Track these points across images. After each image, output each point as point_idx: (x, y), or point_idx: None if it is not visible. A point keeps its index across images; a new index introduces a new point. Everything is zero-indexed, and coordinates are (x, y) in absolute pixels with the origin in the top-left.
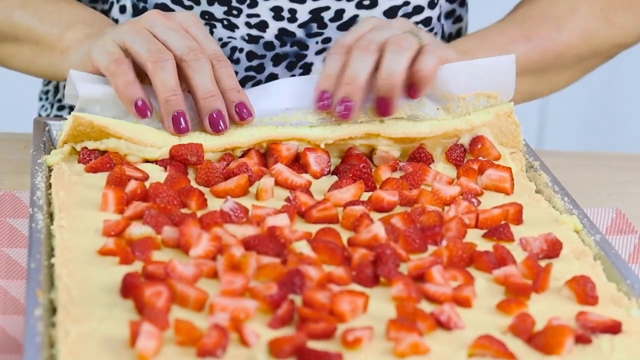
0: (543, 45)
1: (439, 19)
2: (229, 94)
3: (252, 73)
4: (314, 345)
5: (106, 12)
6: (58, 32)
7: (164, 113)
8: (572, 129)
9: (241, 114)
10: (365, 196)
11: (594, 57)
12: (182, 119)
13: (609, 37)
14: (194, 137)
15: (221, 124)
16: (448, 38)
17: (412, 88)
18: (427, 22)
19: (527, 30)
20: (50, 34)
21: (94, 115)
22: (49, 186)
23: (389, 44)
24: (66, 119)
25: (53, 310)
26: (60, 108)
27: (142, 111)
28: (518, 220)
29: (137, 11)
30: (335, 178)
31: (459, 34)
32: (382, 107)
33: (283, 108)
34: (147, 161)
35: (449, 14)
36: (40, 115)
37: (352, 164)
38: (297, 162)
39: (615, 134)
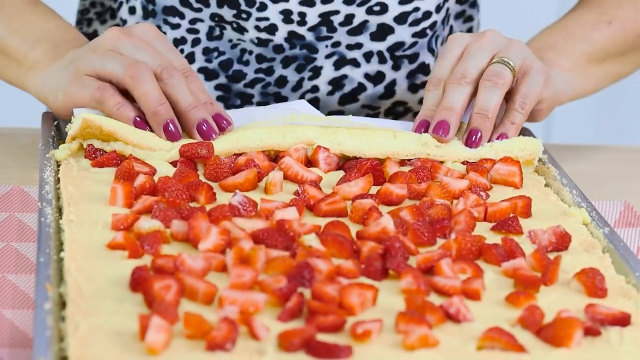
0: (625, 27)
1: (442, 21)
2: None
3: (261, 75)
4: (324, 338)
5: (115, 11)
6: (25, 49)
7: (155, 124)
8: (580, 123)
9: (220, 124)
10: (373, 190)
11: None
12: (171, 125)
13: None
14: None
15: (211, 132)
16: None
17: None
18: (432, 26)
19: (606, 14)
20: (18, 49)
21: (103, 118)
22: (58, 180)
23: (483, 81)
24: (74, 116)
25: (62, 304)
26: None
27: (142, 126)
28: (527, 213)
29: (147, 13)
30: (343, 173)
31: (470, 32)
32: (471, 139)
33: (288, 107)
34: None
35: (459, 15)
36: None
37: (360, 160)
38: (307, 161)
39: (623, 127)
